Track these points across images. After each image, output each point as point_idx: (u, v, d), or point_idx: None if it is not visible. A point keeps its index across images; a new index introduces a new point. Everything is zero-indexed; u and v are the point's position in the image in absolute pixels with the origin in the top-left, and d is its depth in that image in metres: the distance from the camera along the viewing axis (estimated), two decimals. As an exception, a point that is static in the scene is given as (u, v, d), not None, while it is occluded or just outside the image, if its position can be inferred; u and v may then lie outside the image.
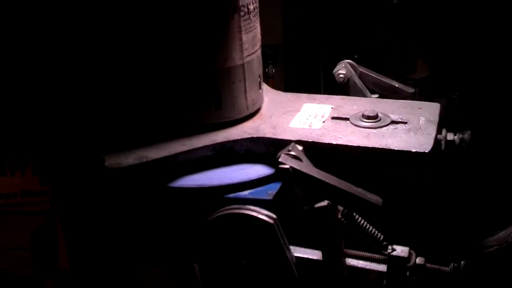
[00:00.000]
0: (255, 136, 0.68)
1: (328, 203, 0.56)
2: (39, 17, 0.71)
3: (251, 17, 0.69)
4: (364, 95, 0.81)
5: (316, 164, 0.66)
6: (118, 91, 0.70)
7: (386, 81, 0.82)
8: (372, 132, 0.68)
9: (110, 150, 0.66)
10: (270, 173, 0.66)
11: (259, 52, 0.72)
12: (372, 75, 0.83)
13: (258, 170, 0.66)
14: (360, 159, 0.65)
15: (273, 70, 2.30)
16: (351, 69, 0.81)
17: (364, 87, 0.81)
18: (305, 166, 0.59)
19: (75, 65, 0.71)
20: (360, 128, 0.69)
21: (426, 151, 0.63)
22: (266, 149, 0.68)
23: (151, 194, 0.65)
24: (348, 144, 0.65)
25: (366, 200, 0.54)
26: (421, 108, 0.73)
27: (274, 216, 0.57)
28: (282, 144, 0.66)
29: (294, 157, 0.59)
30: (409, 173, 0.64)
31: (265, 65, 2.29)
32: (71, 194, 0.74)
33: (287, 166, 0.58)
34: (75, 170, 0.69)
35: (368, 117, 0.70)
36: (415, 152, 0.63)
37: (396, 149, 0.64)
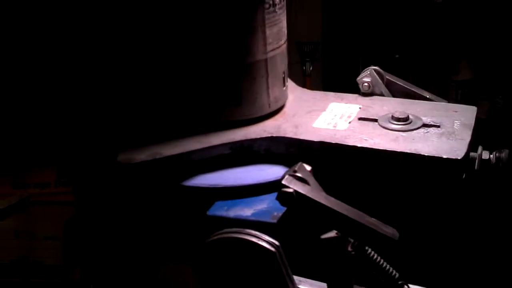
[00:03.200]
0: (275, 135, 0.64)
1: (336, 234, 0.51)
2: (51, 16, 0.70)
3: (276, 10, 0.65)
4: None
5: (340, 167, 0.62)
6: (135, 88, 0.68)
7: (416, 91, 0.75)
8: (402, 135, 0.63)
9: (125, 146, 0.64)
10: (289, 175, 0.62)
11: (284, 47, 0.69)
12: (400, 83, 0.76)
13: (277, 172, 0.63)
14: (387, 164, 0.60)
15: (311, 68, 2.26)
16: (377, 76, 0.74)
17: (391, 96, 0.75)
18: (312, 191, 0.53)
19: (92, 63, 0.70)
20: (388, 131, 0.64)
21: (459, 158, 0.58)
22: (286, 150, 0.64)
23: (164, 192, 0.63)
24: (374, 147, 0.61)
25: (380, 233, 0.49)
26: (456, 111, 0.68)
27: (277, 243, 0.53)
28: (303, 144, 0.63)
29: (300, 179, 0.53)
30: (439, 181, 0.59)
31: (302, 63, 2.25)
32: (86, 189, 0.72)
33: (291, 190, 0.52)
34: (90, 165, 0.67)
35: (398, 119, 0.65)
36: (446, 158, 0.58)
37: (426, 154, 0.59)
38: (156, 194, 0.63)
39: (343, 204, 0.52)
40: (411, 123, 0.65)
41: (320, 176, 0.58)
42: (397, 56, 2.18)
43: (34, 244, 1.67)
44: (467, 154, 0.59)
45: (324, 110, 0.70)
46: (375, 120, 0.66)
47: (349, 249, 0.52)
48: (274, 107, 0.69)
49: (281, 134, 0.64)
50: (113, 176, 0.63)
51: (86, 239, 0.79)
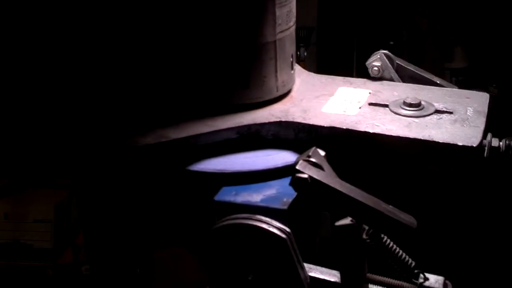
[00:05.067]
0: (283, 120, 0.62)
1: (351, 221, 0.49)
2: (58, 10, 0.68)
3: (286, -10, 0.63)
4: None
5: (350, 154, 0.60)
6: (142, 70, 0.66)
7: (426, 76, 0.73)
8: (414, 121, 0.62)
9: (131, 129, 0.62)
10: (298, 161, 0.61)
11: (293, 30, 0.67)
12: (411, 68, 0.74)
13: (285, 157, 0.61)
14: (399, 150, 0.59)
15: (305, 53, 2.24)
16: (386, 60, 0.72)
17: (401, 82, 0.73)
18: (326, 176, 0.51)
19: (97, 47, 0.67)
20: (400, 117, 0.62)
21: (474, 145, 0.57)
22: (295, 135, 0.62)
23: (169, 176, 0.61)
24: (387, 133, 0.59)
25: (397, 221, 0.47)
26: (468, 98, 0.66)
27: (287, 229, 0.51)
28: (312, 129, 0.61)
29: (314, 164, 0.51)
30: (452, 169, 0.58)
31: (297, 47, 2.23)
32: (90, 173, 0.70)
33: (305, 176, 0.49)
34: (94, 148, 0.65)
35: (410, 105, 0.63)
36: (462, 145, 0.57)
37: (441, 141, 0.57)
38: (161, 178, 0.61)
39: (358, 190, 0.50)
40: (423, 109, 0.63)
41: (330, 162, 0.57)
42: (391, 43, 2.17)
43: (24, 227, 1.66)
44: (481, 141, 0.58)
45: (332, 94, 0.68)
46: (386, 106, 0.65)
47: (364, 236, 0.50)
48: (282, 91, 0.67)
49: (290, 119, 0.63)
50: (118, 159, 0.61)
51: (87, 226, 0.77)
